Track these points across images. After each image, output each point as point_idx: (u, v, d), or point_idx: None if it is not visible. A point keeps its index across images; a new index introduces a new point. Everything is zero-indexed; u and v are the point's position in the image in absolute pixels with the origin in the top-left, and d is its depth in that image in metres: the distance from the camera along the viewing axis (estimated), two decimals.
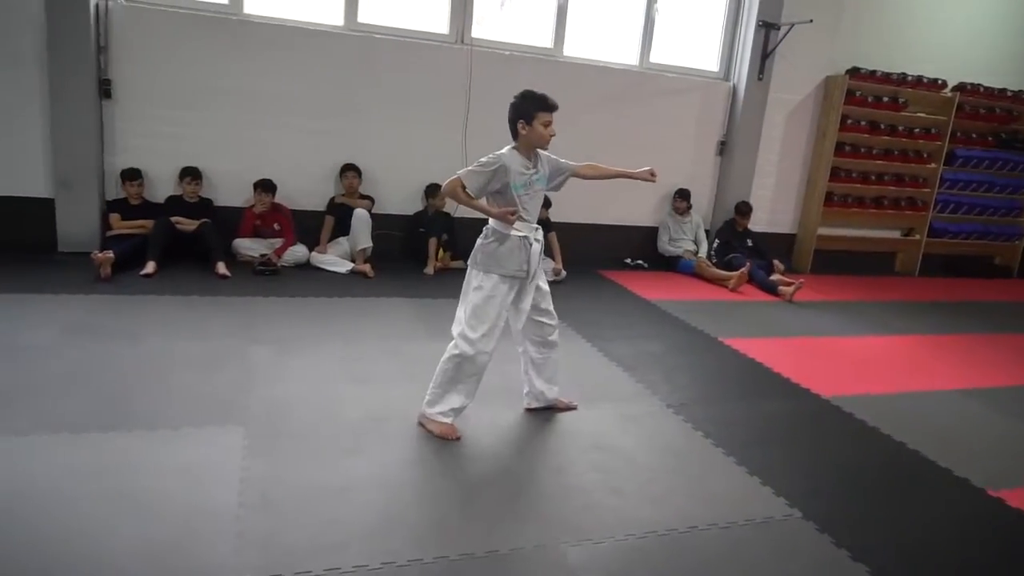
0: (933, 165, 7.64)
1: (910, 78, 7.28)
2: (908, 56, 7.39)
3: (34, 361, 3.27)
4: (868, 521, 2.58)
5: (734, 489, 2.72)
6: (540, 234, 2.95)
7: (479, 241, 2.91)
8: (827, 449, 3.20)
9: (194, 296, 4.47)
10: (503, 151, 2.86)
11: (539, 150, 2.94)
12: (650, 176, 3.13)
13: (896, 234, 7.97)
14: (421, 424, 2.94)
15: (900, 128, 7.43)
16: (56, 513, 2.17)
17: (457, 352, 2.84)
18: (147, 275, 4.77)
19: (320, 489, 2.44)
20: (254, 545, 2.10)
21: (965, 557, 2.43)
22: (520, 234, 2.85)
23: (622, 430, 3.15)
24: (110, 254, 4.61)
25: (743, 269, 6.11)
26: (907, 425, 3.47)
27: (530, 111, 2.83)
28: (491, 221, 2.88)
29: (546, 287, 3.05)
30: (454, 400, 2.89)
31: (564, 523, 2.36)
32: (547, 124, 2.84)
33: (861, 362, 4.54)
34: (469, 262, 2.92)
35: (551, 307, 3.07)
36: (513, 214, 2.79)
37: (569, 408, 3.26)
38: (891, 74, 7.22)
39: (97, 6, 5.02)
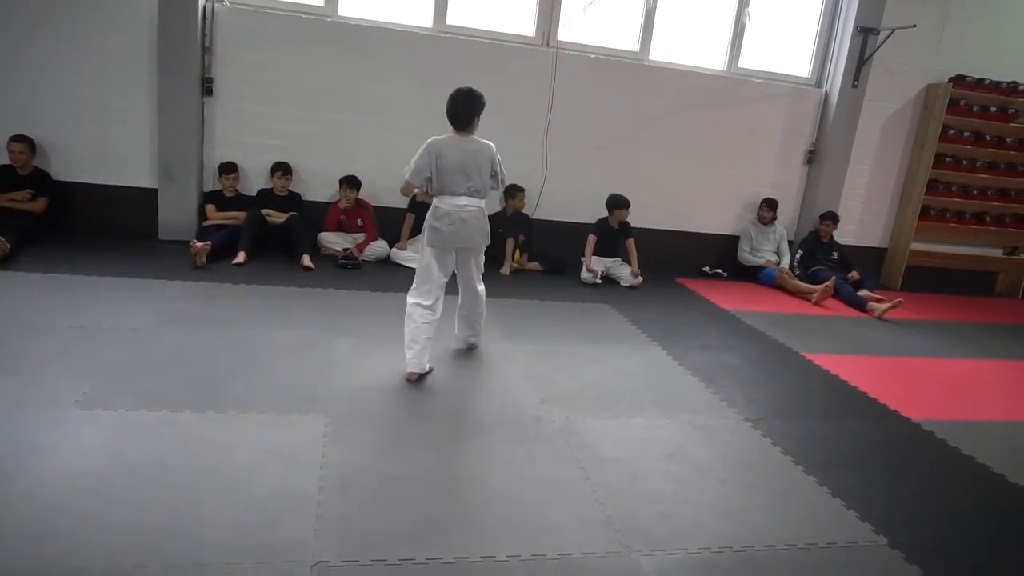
0: None
1: (1021, 87, 6.84)
2: (1018, 64, 6.95)
3: (137, 343, 3.48)
4: (960, 553, 2.45)
5: (815, 510, 2.63)
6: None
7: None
8: (915, 474, 3.04)
9: (280, 287, 4.65)
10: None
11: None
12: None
13: (998, 252, 7.50)
14: None
15: (1008, 140, 6.99)
16: (151, 485, 2.30)
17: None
18: (238, 264, 5.00)
19: (396, 479, 2.50)
20: (333, 529, 2.17)
21: None
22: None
23: (697, 441, 3.09)
24: (208, 244, 4.86)
25: (828, 283, 5.89)
26: (1005, 455, 3.26)
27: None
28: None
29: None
30: None
31: (638, 531, 2.34)
32: None
33: (955, 385, 4.30)
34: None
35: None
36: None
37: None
38: (999, 83, 6.80)
39: (204, 7, 5.30)
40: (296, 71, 5.57)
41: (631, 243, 5.84)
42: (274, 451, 2.59)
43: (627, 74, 6.12)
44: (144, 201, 5.48)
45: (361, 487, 2.43)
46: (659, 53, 6.34)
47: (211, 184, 5.60)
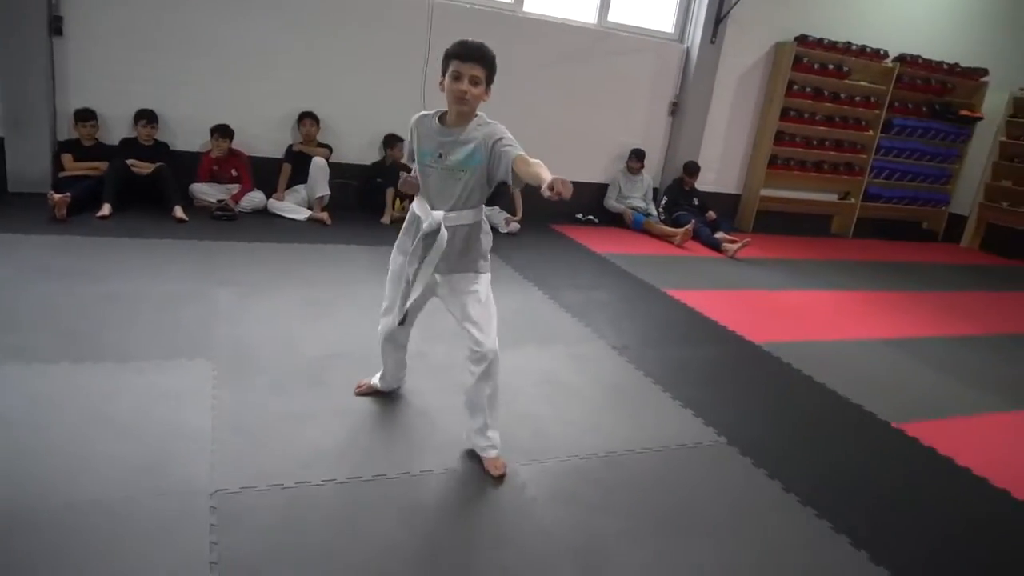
0: (871, 132, 8.02)
1: (854, 47, 7.59)
2: (854, 25, 7.69)
3: None
4: (785, 447, 2.90)
5: (669, 420, 3.00)
6: (455, 219, 2.31)
7: (474, 239, 2.40)
8: (753, 387, 3.51)
9: (152, 239, 4.51)
10: (428, 111, 2.34)
11: (487, 123, 2.26)
12: (558, 191, 1.92)
13: (834, 197, 8.38)
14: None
15: (843, 96, 7.77)
16: (33, 438, 2.29)
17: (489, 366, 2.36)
18: (103, 217, 4.77)
19: (287, 416, 2.61)
20: (229, 463, 2.27)
21: (864, 474, 2.76)
22: (417, 211, 2.39)
23: (570, 368, 3.40)
24: (67, 196, 4.60)
25: (688, 226, 6.40)
26: (828, 368, 3.81)
27: (445, 61, 2.22)
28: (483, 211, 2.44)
29: (471, 296, 2.37)
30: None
31: (516, 446, 2.59)
32: (456, 76, 2.17)
33: (794, 314, 4.89)
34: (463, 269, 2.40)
35: (478, 318, 2.35)
36: (413, 182, 2.38)
37: (491, 473, 2.44)
38: (837, 42, 7.50)
39: None
40: (158, 9, 5.26)
41: (517, 192, 6.07)
42: (162, 395, 2.63)
43: (502, 25, 6.24)
44: None
45: (253, 424, 2.53)
46: (532, 5, 6.50)
47: (67, 133, 5.25)
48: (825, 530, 2.36)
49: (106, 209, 4.82)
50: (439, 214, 2.31)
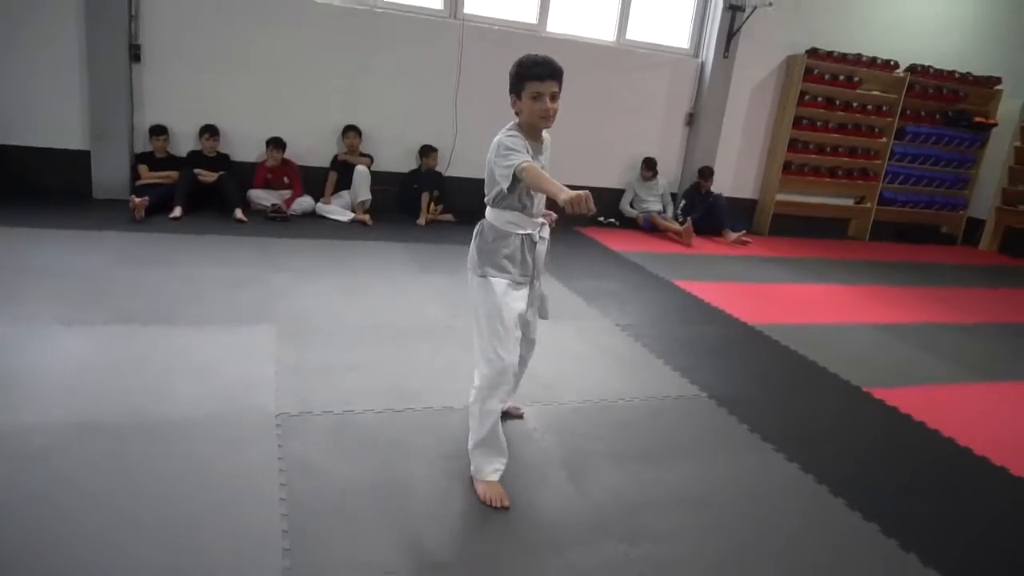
0: (884, 139, 8.36)
1: (865, 58, 7.96)
2: (864, 38, 8.07)
3: (95, 278, 3.98)
4: (759, 403, 3.34)
5: (658, 379, 3.48)
6: (547, 231, 2.44)
7: (474, 243, 2.39)
8: (737, 356, 3.96)
9: (217, 235, 5.17)
10: (512, 130, 2.31)
11: (544, 133, 2.37)
12: (554, 218, 2.45)
13: (850, 202, 8.71)
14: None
15: (854, 104, 8.13)
16: (135, 377, 2.89)
17: (485, 381, 2.33)
18: (174, 218, 5.46)
19: (335, 365, 3.18)
20: (289, 396, 2.84)
21: (825, 422, 3.19)
22: (522, 231, 2.34)
23: (576, 339, 3.90)
24: (145, 199, 5.30)
25: (687, 224, 6.85)
26: (813, 345, 4.23)
27: (519, 83, 2.24)
28: (488, 215, 2.36)
29: (542, 296, 2.56)
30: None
31: (523, 394, 3.08)
32: (536, 96, 2.21)
33: (794, 303, 5.29)
34: (469, 268, 2.41)
35: (540, 312, 2.62)
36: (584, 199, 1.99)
37: (516, 416, 2.89)
38: (847, 54, 7.89)
39: None
40: (219, 37, 5.99)
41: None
42: (233, 349, 3.22)
43: (527, 43, 6.79)
44: (78, 162, 5.82)
45: (308, 370, 3.09)
46: (555, 25, 7.07)
47: (143, 146, 5.98)
48: (780, 460, 2.80)
49: (177, 211, 5.51)
50: (539, 220, 2.40)
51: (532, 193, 2.32)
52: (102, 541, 1.91)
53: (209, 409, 2.67)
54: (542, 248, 2.42)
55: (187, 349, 3.18)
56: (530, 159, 2.20)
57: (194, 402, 2.71)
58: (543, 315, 2.61)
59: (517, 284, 2.38)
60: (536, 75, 2.21)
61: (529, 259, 2.39)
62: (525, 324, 2.49)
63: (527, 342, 2.58)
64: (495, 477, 2.36)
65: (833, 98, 8.03)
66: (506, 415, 2.86)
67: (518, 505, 2.31)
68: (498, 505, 2.28)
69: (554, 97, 2.25)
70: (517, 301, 2.37)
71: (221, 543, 1.95)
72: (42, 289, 3.70)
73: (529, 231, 2.37)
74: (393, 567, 1.95)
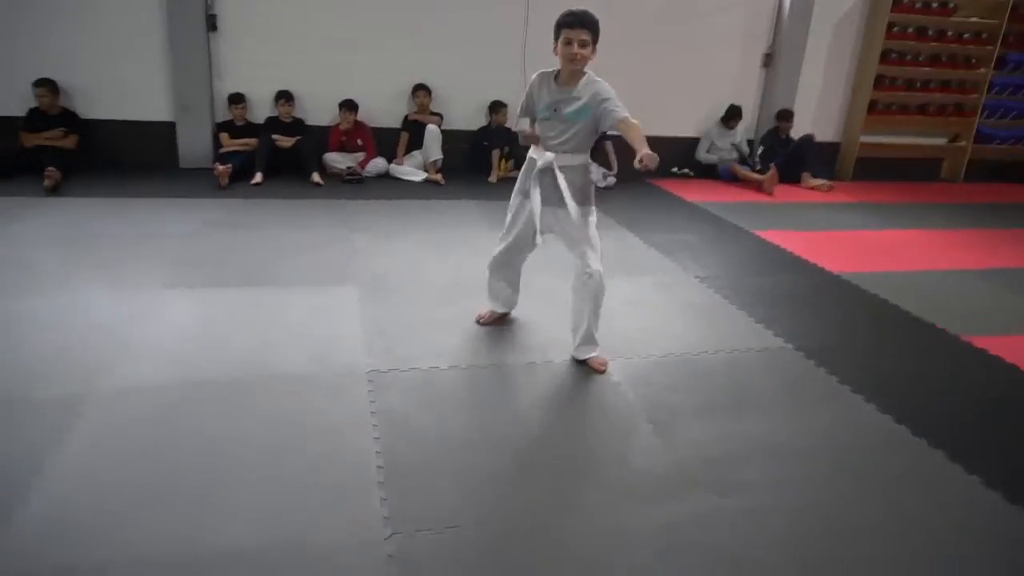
0: (983, 70, 7.76)
1: None
2: None
3: (188, 243, 4.18)
4: (848, 354, 3.24)
5: (741, 330, 3.41)
6: (566, 160, 2.79)
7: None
8: (827, 308, 3.84)
9: (296, 200, 5.32)
10: (547, 70, 2.82)
11: (594, 81, 2.73)
12: (646, 164, 2.59)
13: (942, 141, 8.18)
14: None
15: (949, 33, 7.57)
16: (233, 335, 3.04)
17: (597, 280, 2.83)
18: (256, 184, 5.65)
19: (419, 323, 3.26)
20: (378, 353, 2.93)
21: (926, 378, 3.07)
22: (533, 156, 2.85)
23: (655, 293, 3.86)
24: (229, 167, 5.49)
25: (772, 171, 6.58)
26: (905, 293, 4.05)
27: (557, 31, 2.69)
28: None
29: (584, 224, 2.84)
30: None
31: (606, 347, 3.08)
32: (567, 42, 2.64)
33: (881, 249, 5.07)
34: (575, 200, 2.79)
35: (589, 243, 2.85)
36: (534, 137, 2.82)
37: (597, 370, 2.92)
38: None
39: None
40: (292, 3, 6.06)
41: (608, 145, 6.47)
42: (321, 309, 3.34)
43: None
44: (164, 133, 6.07)
45: (393, 328, 3.18)
46: None
47: (222, 114, 6.17)
48: (872, 411, 2.72)
49: (258, 177, 5.69)
50: (551, 155, 2.79)
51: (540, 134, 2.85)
52: (229, 484, 2.05)
53: (305, 366, 2.80)
54: (548, 177, 2.80)
55: (278, 310, 3.32)
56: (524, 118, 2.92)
57: (291, 360, 2.84)
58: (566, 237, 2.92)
59: (521, 193, 2.94)
60: (568, 23, 2.63)
61: (527, 177, 2.88)
62: (561, 236, 2.94)
63: (573, 255, 2.91)
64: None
65: (925, 27, 7.49)
66: (589, 369, 2.91)
67: (607, 458, 2.34)
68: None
69: (583, 44, 2.63)
70: (521, 207, 2.95)
71: (324, 493, 2.07)
72: (142, 255, 3.92)
73: (534, 156, 2.84)
74: (486, 517, 2.01)
